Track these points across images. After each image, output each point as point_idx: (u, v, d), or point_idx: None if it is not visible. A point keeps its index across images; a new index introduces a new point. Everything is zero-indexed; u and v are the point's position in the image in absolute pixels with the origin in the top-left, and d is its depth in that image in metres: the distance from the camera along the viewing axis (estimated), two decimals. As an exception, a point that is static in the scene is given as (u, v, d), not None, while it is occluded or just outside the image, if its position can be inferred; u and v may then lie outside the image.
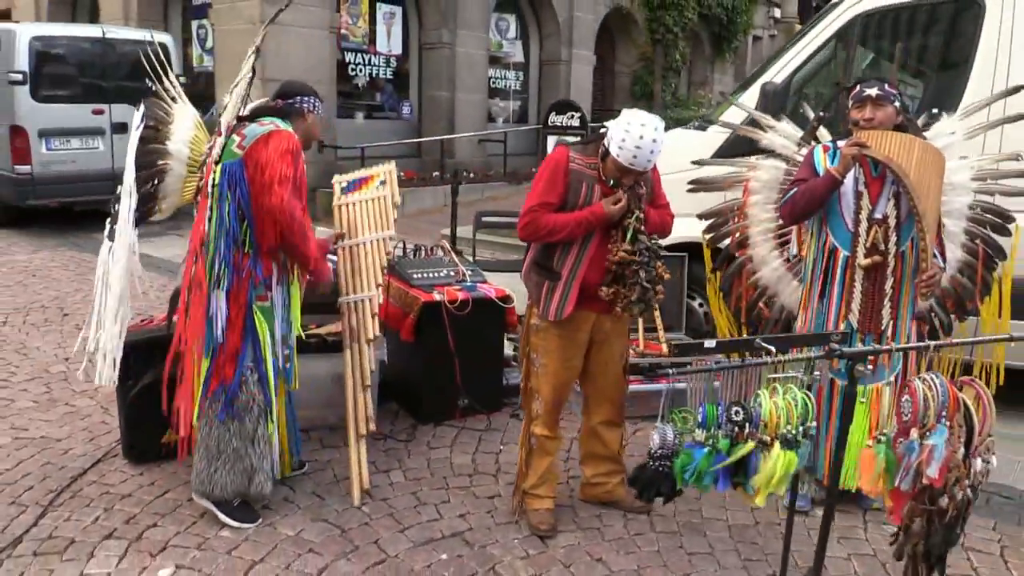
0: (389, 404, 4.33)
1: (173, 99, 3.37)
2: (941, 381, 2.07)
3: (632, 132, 2.79)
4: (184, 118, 3.29)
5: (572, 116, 9.84)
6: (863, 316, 3.12)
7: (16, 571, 2.80)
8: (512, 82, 15.29)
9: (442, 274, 4.28)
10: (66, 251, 8.09)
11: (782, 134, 3.50)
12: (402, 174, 11.76)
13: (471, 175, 12.08)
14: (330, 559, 2.92)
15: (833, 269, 3.16)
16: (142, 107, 3.27)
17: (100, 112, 9.02)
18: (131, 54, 9.27)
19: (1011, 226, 3.48)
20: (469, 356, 4.06)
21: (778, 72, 4.59)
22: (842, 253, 3.14)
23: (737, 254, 3.59)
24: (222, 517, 3.09)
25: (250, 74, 3.15)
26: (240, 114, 3.09)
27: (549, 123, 10.06)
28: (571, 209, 2.92)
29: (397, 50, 12.78)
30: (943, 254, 3.19)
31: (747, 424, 2.09)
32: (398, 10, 12.64)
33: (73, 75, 8.88)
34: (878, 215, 3.09)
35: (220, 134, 3.06)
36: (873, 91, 3.08)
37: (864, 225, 3.10)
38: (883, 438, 2.08)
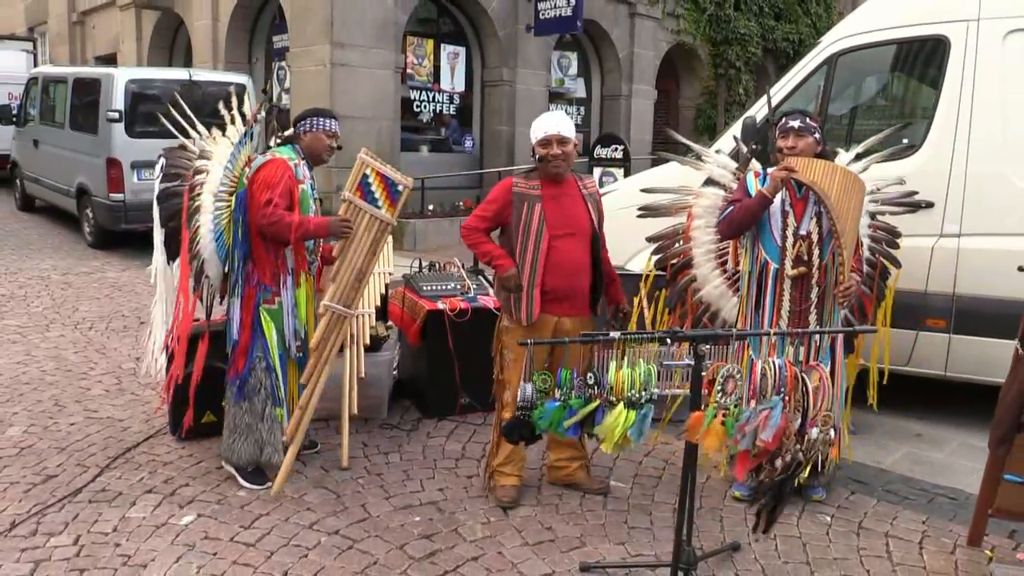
0: (403, 400, 4.90)
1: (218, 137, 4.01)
2: (781, 363, 2.49)
3: (537, 120, 3.58)
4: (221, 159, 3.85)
5: (616, 149, 10.34)
6: (792, 322, 3.52)
7: (73, 512, 3.47)
8: (574, 117, 15.84)
9: (449, 287, 4.85)
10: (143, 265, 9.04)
11: (720, 164, 3.94)
12: (461, 203, 12.52)
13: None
14: (322, 515, 3.49)
15: (765, 280, 3.58)
16: (162, 159, 3.90)
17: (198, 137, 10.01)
18: (215, 94, 10.29)
19: (899, 240, 3.86)
20: (469, 359, 4.59)
21: (763, 106, 5.01)
22: (772, 266, 3.56)
23: (680, 275, 4.03)
24: (239, 480, 3.72)
25: (263, 115, 3.85)
26: (269, 145, 3.80)
27: (595, 155, 10.59)
28: (517, 222, 3.48)
29: (460, 87, 13.55)
30: (860, 268, 3.57)
31: (596, 387, 2.57)
32: (462, 50, 13.44)
33: (164, 113, 9.89)
34: (802, 232, 3.51)
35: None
36: (796, 123, 3.53)
37: (791, 240, 3.52)
38: (715, 405, 2.51)
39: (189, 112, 4.08)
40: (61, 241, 10.75)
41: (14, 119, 12.68)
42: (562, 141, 3.49)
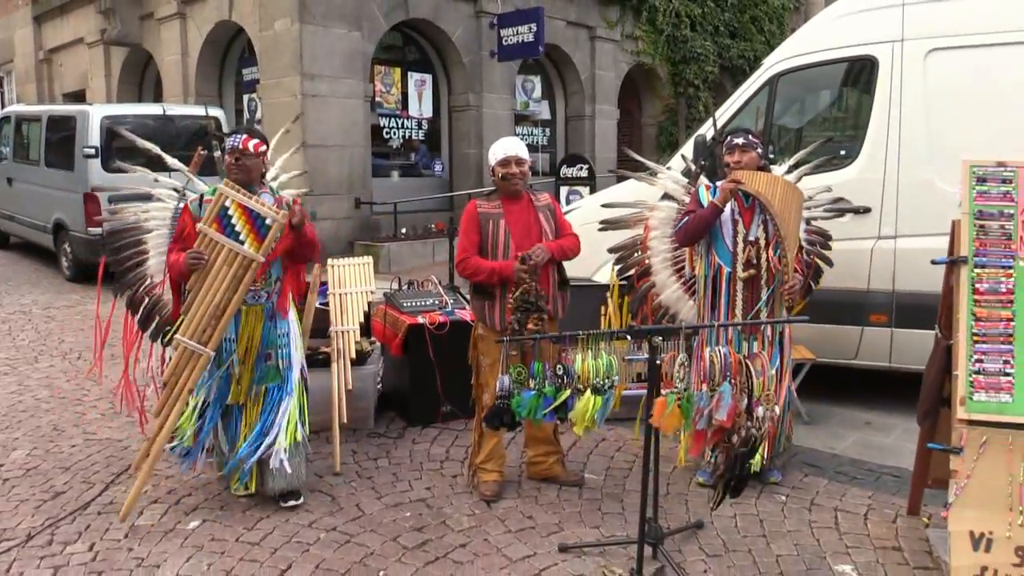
0: (388, 411, 5.19)
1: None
2: (727, 351, 2.84)
3: (496, 145, 3.96)
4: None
5: (581, 168, 10.76)
6: (744, 319, 3.88)
7: (85, 523, 3.72)
8: (539, 138, 16.30)
9: (428, 302, 5.17)
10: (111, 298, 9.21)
11: (673, 180, 4.31)
12: (433, 226, 12.84)
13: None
14: (320, 515, 3.77)
15: (720, 283, 3.95)
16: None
17: (175, 171, 10.25)
18: (189, 127, 10.56)
19: (831, 242, 4.26)
20: (449, 369, 4.89)
21: (711, 125, 5.40)
22: (725, 269, 3.92)
23: (640, 281, 4.38)
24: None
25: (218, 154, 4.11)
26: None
27: (561, 175, 10.98)
28: (485, 240, 3.81)
29: (428, 113, 13.91)
30: (801, 269, 3.95)
31: (566, 376, 2.90)
32: (428, 77, 13.81)
33: (137, 148, 10.12)
34: (751, 238, 3.88)
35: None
36: (740, 140, 3.91)
37: (741, 246, 3.89)
38: (674, 392, 2.85)
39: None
40: (39, 276, 10.90)
41: (-14, 158, 12.81)
42: (519, 161, 3.88)
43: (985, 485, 2.99)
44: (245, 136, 3.75)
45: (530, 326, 3.61)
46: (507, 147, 3.91)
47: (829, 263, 4.32)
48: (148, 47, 14.45)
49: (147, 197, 4.39)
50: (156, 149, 4.53)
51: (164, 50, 13.77)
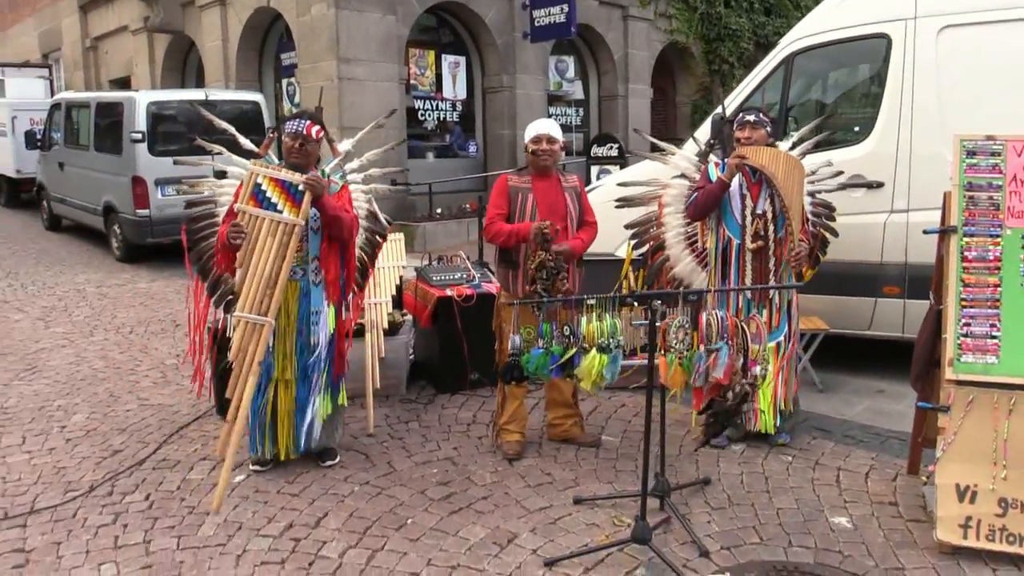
0: (419, 379, 5.49)
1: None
2: (723, 315, 3.07)
3: (531, 124, 4.20)
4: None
5: (611, 147, 10.93)
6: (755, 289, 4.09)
7: (141, 477, 4.07)
8: (573, 118, 16.45)
9: (456, 276, 5.44)
10: (177, 279, 9.62)
11: (683, 158, 4.51)
12: (467, 206, 13.11)
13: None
14: (354, 471, 4.09)
15: (729, 255, 4.15)
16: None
17: (221, 153, 10.64)
18: (230, 112, 10.92)
19: (834, 214, 4.42)
20: (476, 339, 5.16)
21: (731, 103, 5.57)
22: (735, 242, 4.13)
23: (656, 256, 4.58)
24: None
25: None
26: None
27: (592, 154, 11.16)
28: (513, 211, 4.07)
29: (462, 95, 14.16)
30: (807, 239, 4.14)
31: (572, 337, 3.16)
32: (462, 59, 14.05)
33: (182, 132, 10.51)
34: (759, 211, 4.09)
35: None
36: (751, 117, 4.11)
37: (749, 219, 4.10)
38: (673, 351, 3.09)
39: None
40: (91, 256, 11.40)
41: (39, 144, 13.36)
42: (550, 140, 4.12)
43: (971, 441, 3.19)
44: (309, 122, 3.95)
45: (559, 287, 3.85)
46: (540, 126, 4.18)
47: (835, 233, 4.50)
48: (190, 33, 14.88)
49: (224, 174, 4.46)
50: (231, 128, 4.57)
51: (205, 36, 14.18)
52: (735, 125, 4.15)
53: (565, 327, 3.22)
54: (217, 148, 4.65)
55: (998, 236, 3.26)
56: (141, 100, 10.29)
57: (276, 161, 4.31)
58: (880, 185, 5.07)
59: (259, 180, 3.80)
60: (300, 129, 3.91)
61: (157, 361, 6.22)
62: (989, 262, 3.25)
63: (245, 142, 4.58)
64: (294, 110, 13.21)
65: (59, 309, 8.14)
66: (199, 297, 4.43)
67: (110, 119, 10.79)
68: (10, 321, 7.56)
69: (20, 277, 9.79)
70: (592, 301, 3.20)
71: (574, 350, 3.19)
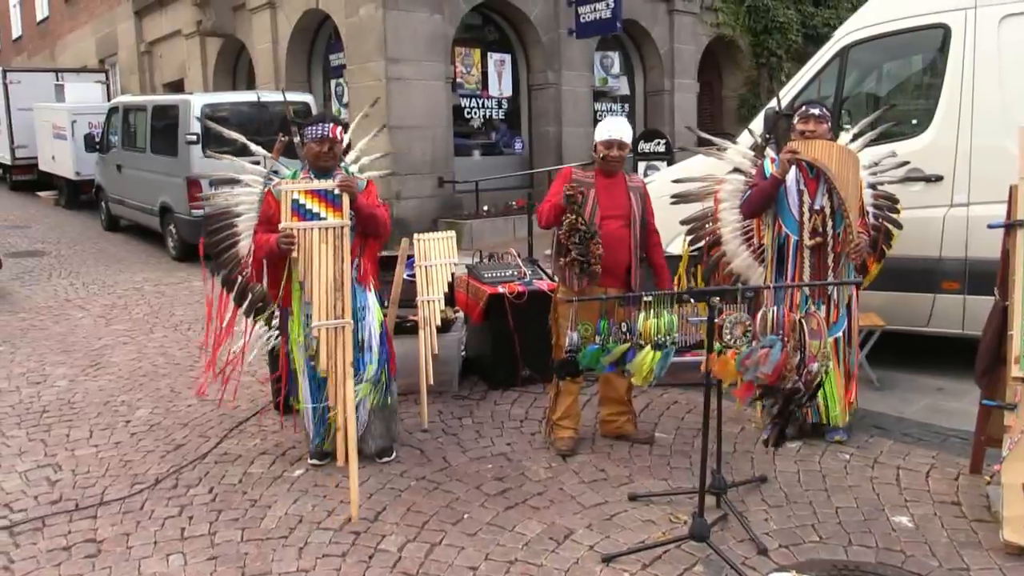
0: (471, 375, 5.54)
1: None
2: (779, 310, 3.04)
3: (603, 123, 4.18)
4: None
5: (658, 143, 10.85)
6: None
7: (204, 471, 4.18)
8: (619, 114, 16.35)
9: (508, 273, 5.47)
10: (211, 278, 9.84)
11: (739, 153, 4.47)
12: (514, 203, 13.15)
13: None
14: (410, 466, 4.15)
15: (787, 251, 4.12)
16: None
17: (257, 163, 10.86)
18: (281, 112, 11.11)
19: (898, 206, 4.33)
20: (528, 336, 5.19)
21: (784, 96, 5.50)
22: (793, 238, 4.10)
23: (712, 251, 4.57)
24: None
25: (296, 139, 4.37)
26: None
27: (639, 150, 11.10)
28: None
29: (508, 92, 14.19)
30: (867, 231, 4.08)
31: (629, 333, 3.16)
32: (507, 57, 14.08)
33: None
34: (816, 207, 4.05)
35: None
36: (816, 111, 4.08)
37: (807, 215, 4.06)
38: (721, 344, 3.08)
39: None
40: (147, 256, 11.69)
41: (97, 146, 13.74)
42: (621, 146, 4.14)
43: (1039, 440, 3.12)
44: (333, 124, 4.00)
45: (594, 250, 3.86)
46: (612, 130, 4.12)
47: (899, 226, 4.43)
48: (241, 36, 15.16)
49: (237, 181, 4.65)
50: (242, 138, 4.75)
51: (256, 39, 14.43)
52: (797, 118, 4.10)
53: (623, 324, 3.24)
54: (261, 151, 4.72)
55: (1067, 230, 3.18)
56: (195, 103, 10.52)
57: (285, 169, 4.35)
58: (939, 179, 4.97)
59: (295, 196, 3.83)
60: (327, 133, 3.93)
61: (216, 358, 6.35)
62: (1057, 257, 3.17)
63: (257, 149, 4.67)
64: (343, 111, 13.38)
65: (119, 307, 8.37)
66: (224, 306, 4.55)
67: (165, 121, 11.05)
68: (73, 319, 7.80)
69: (81, 276, 10.09)
70: (649, 298, 3.21)
71: (627, 346, 3.20)
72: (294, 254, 3.81)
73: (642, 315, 3.23)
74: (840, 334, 4.08)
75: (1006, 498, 3.16)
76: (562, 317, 4.21)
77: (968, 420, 4.52)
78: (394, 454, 4.26)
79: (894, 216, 4.45)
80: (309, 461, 4.22)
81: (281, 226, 3.82)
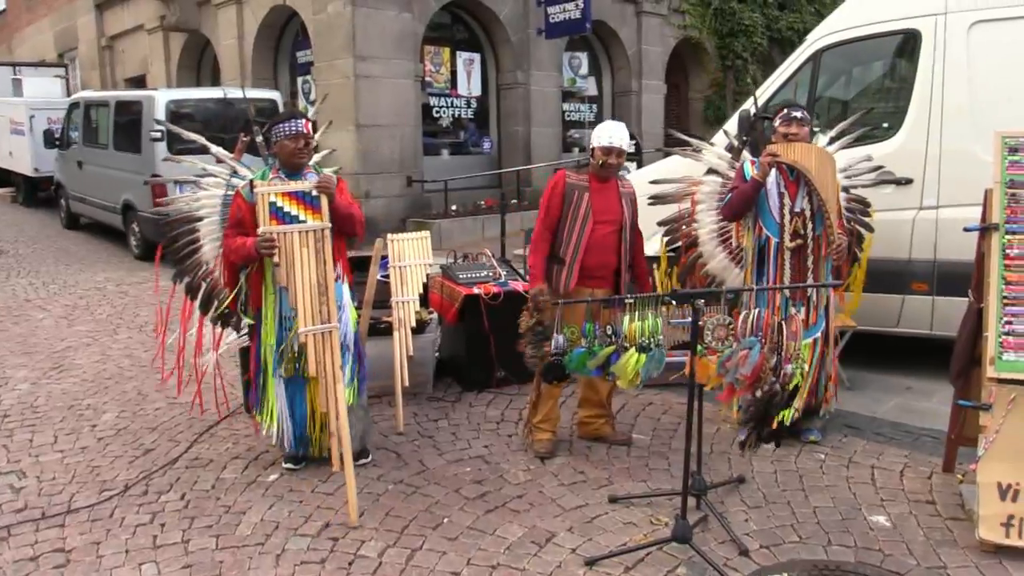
0: (445, 377, 5.49)
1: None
2: (760, 312, 3.06)
3: (603, 128, 4.09)
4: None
5: (629, 144, 10.85)
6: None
7: (174, 476, 4.09)
8: (586, 114, 16.43)
9: (482, 274, 5.44)
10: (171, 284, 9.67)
11: (716, 154, 4.49)
12: (483, 202, 13.11)
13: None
14: (387, 469, 4.10)
15: (767, 253, 4.14)
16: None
17: (222, 161, 10.69)
18: (247, 110, 10.96)
19: (869, 210, 4.39)
20: (502, 337, 5.15)
21: (760, 99, 5.54)
22: (773, 240, 4.12)
23: (689, 252, 4.59)
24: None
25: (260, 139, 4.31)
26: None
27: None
28: (567, 208, 4.08)
29: (477, 91, 14.15)
30: (844, 232, 4.13)
31: (614, 336, 3.15)
32: (477, 56, 14.04)
33: (200, 130, 10.49)
34: (797, 209, 4.07)
35: None
36: (798, 113, 4.11)
37: (787, 217, 4.08)
38: (703, 346, 3.09)
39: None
40: (109, 255, 11.45)
41: (57, 143, 13.42)
42: (619, 153, 4.11)
43: (1013, 440, 3.17)
44: (304, 120, 3.91)
45: (543, 350, 3.86)
46: (613, 136, 4.06)
47: (870, 228, 4.48)
48: (205, 32, 14.91)
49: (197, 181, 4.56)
50: (202, 140, 4.70)
51: (221, 34, 14.21)
52: (779, 120, 4.12)
53: (608, 327, 3.22)
54: (223, 153, 4.64)
55: (1041, 233, 3.23)
56: (160, 99, 10.33)
57: (246, 170, 4.34)
58: (909, 181, 5.04)
59: (272, 199, 3.73)
60: (300, 129, 3.85)
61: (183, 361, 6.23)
62: (1031, 260, 3.22)
63: (217, 150, 4.60)
64: (310, 108, 13.23)
65: (81, 307, 8.18)
66: (188, 314, 4.50)
67: (129, 117, 10.83)
68: (34, 320, 7.60)
69: (41, 276, 9.85)
70: (631, 300, 3.20)
71: (612, 348, 3.19)
72: (275, 259, 3.72)
73: (627, 317, 3.22)
74: (818, 334, 4.11)
75: (981, 497, 3.20)
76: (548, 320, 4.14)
77: (937, 419, 4.61)
78: (370, 457, 4.21)
79: (865, 220, 4.50)
80: (283, 465, 4.15)
81: (261, 230, 3.72)
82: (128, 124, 10.85)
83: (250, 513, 3.67)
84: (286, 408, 4.07)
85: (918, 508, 3.59)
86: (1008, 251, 3.27)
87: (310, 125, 3.95)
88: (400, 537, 3.42)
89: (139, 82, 17.02)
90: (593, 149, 4.12)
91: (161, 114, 10.18)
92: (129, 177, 10.78)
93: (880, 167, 4.60)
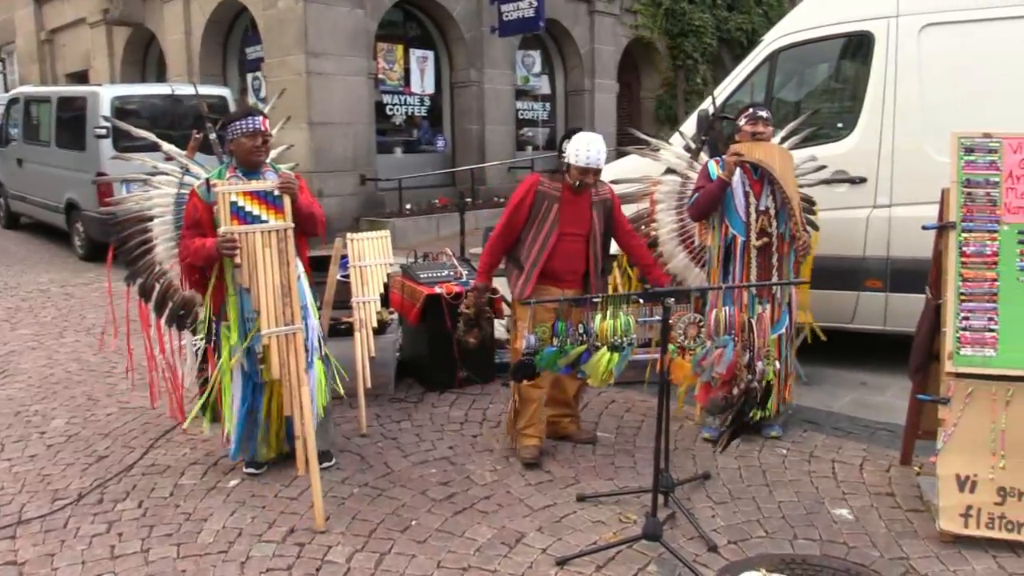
0: (406, 378, 5.44)
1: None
2: (731, 311, 3.08)
3: (581, 143, 3.94)
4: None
5: (583, 142, 10.90)
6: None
7: (131, 483, 3.97)
8: (540, 112, 16.47)
9: (444, 273, 5.40)
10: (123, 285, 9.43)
11: (674, 154, 4.53)
12: (437, 201, 13.03)
13: (501, 200, 13.28)
14: (351, 472, 4.04)
15: (734, 251, 4.17)
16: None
17: (170, 159, 10.43)
18: (196, 107, 10.69)
19: (815, 208, 4.49)
20: (465, 337, 5.13)
21: (717, 97, 5.59)
22: (740, 239, 4.16)
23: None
24: None
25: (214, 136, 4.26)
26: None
27: (563, 150, 11.13)
28: (534, 214, 4.03)
29: (430, 89, 14.06)
30: (804, 229, 4.19)
31: (586, 335, 3.15)
32: (430, 54, 13.95)
33: (147, 128, 10.22)
34: (762, 207, 4.13)
35: None
36: (764, 113, 4.17)
37: (753, 216, 4.13)
38: (675, 345, 3.11)
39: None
40: (52, 255, 11.11)
41: (-5, 140, 12.97)
42: (596, 172, 4.03)
43: (970, 432, 3.25)
44: (261, 117, 3.83)
45: (470, 339, 4.18)
46: (591, 155, 3.92)
47: (815, 227, 4.57)
48: (151, 27, 14.55)
49: (148, 180, 4.47)
50: (152, 137, 4.60)
51: (167, 29, 13.88)
52: (745, 120, 4.16)
53: (580, 325, 3.22)
54: (175, 151, 4.55)
55: (995, 231, 3.32)
56: (105, 95, 10.04)
57: (200, 169, 4.30)
58: (863, 180, 5.14)
59: (233, 198, 3.63)
60: (258, 126, 3.76)
61: (136, 362, 6.05)
62: (987, 257, 3.31)
63: (169, 147, 4.50)
64: (260, 105, 12.99)
65: (24, 310, 7.92)
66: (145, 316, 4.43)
67: (72, 114, 10.51)
68: (-26, 323, 7.34)
69: (-20, 277, 9.52)
70: (599, 300, 3.20)
71: (584, 347, 3.18)
72: (237, 260, 3.63)
73: (598, 316, 3.22)
74: (783, 331, 4.17)
75: (941, 489, 3.28)
76: (520, 320, 4.13)
77: (892, 413, 4.71)
78: (333, 460, 4.14)
79: (811, 217, 4.58)
80: (244, 470, 4.06)
81: (222, 231, 3.61)
82: (71, 121, 10.53)
83: (211, 520, 3.59)
84: (240, 410, 3.98)
85: (879, 500, 3.66)
86: (964, 249, 3.35)
87: (267, 122, 3.87)
88: (368, 541, 3.37)
89: (81, 77, 16.54)
90: (569, 165, 4.01)
91: (106, 110, 9.89)
92: (73, 175, 10.47)
93: (823, 166, 4.68)
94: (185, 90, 10.87)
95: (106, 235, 10.22)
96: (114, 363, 6.09)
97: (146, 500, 3.80)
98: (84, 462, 4.26)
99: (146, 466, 4.18)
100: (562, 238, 4.04)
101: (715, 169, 4.20)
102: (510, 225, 4.11)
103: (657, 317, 3.24)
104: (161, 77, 14.86)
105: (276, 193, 3.69)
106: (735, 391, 3.09)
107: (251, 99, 13.36)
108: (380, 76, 13.05)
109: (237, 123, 3.76)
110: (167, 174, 4.44)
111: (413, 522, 3.53)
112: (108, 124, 9.84)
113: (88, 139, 10.06)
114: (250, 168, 3.82)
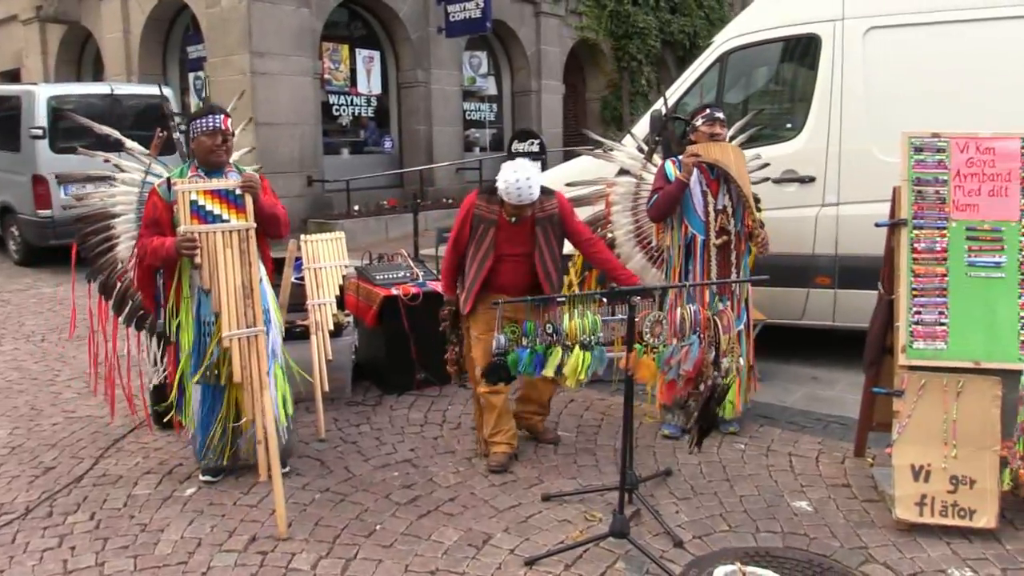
0: (363, 380, 5.38)
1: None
2: (696, 309, 3.13)
3: (509, 179, 3.75)
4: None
5: (532, 143, 10.92)
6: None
7: (82, 495, 3.84)
8: (487, 113, 16.48)
9: (400, 275, 5.36)
10: (84, 283, 9.14)
11: (628, 156, 4.57)
12: (385, 202, 12.93)
13: (450, 201, 13.24)
14: (311, 478, 3.97)
15: (693, 250, 4.22)
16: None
17: (109, 160, 10.14)
18: (136, 107, 10.42)
19: (760, 206, 4.58)
20: (423, 338, 5.10)
21: (669, 98, 5.66)
22: (699, 238, 4.20)
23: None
24: None
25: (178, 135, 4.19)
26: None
27: (512, 150, 11.15)
28: (471, 236, 3.98)
29: (377, 90, 13.95)
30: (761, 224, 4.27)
31: (555, 334, 3.17)
32: (376, 54, 13.84)
33: (87, 128, 9.97)
34: (720, 206, 4.18)
35: None
36: (720, 114, 4.22)
37: (712, 215, 4.18)
38: (642, 345, 3.14)
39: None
40: (-15, 261, 10.72)
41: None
42: (532, 204, 3.87)
43: (924, 423, 3.35)
44: (223, 115, 3.76)
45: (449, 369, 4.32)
46: (523, 191, 3.74)
47: (761, 224, 4.65)
48: (87, 24, 14.14)
49: (102, 179, 4.38)
50: (116, 134, 4.50)
51: (104, 27, 13.51)
52: (702, 121, 4.21)
53: (548, 325, 3.22)
54: (139, 148, 4.46)
55: (944, 228, 3.43)
56: (41, 94, 9.74)
57: (160, 168, 4.24)
58: (812, 180, 5.26)
59: (193, 197, 3.56)
60: (219, 125, 3.69)
61: (78, 370, 5.88)
62: (937, 253, 3.41)
63: (133, 145, 4.42)
64: (202, 105, 12.72)
65: (-43, 318, 7.61)
66: (103, 314, 4.32)
67: (6, 114, 10.15)
68: (-96, 332, 7.02)
69: (-92, 284, 9.12)
70: (563, 299, 3.20)
71: (560, 352, 3.17)
72: (197, 260, 3.54)
73: (566, 315, 3.22)
74: (742, 327, 4.24)
75: (896, 478, 3.37)
76: (474, 330, 4.08)
77: (844, 407, 4.83)
78: (287, 467, 4.04)
79: (757, 215, 4.66)
80: (201, 478, 3.97)
81: (181, 230, 3.53)
82: (5, 121, 10.16)
83: (169, 530, 3.49)
84: (201, 415, 3.89)
85: (836, 492, 3.74)
86: (916, 245, 3.45)
87: (229, 121, 3.80)
88: (332, 547, 3.32)
89: (13, 76, 15.99)
90: (503, 195, 3.82)
91: (42, 110, 9.61)
92: (7, 177, 10.12)
93: (767, 164, 4.77)
94: (125, 89, 10.61)
95: (43, 238, 9.99)
96: (56, 371, 5.89)
97: (99, 512, 3.68)
98: (30, 474, 4.10)
99: (97, 477, 4.05)
100: (501, 259, 3.97)
101: (672, 170, 4.25)
102: (456, 243, 4.08)
103: (620, 316, 3.26)
104: (98, 76, 14.45)
105: (238, 192, 3.61)
106: (701, 387, 3.13)
107: (193, 100, 13.08)
108: (326, 76, 12.91)
109: (198, 121, 3.70)
110: (126, 171, 4.35)
111: (378, 527, 3.48)
112: (44, 125, 9.56)
113: (23, 140, 9.73)
114: (212, 167, 3.75)
